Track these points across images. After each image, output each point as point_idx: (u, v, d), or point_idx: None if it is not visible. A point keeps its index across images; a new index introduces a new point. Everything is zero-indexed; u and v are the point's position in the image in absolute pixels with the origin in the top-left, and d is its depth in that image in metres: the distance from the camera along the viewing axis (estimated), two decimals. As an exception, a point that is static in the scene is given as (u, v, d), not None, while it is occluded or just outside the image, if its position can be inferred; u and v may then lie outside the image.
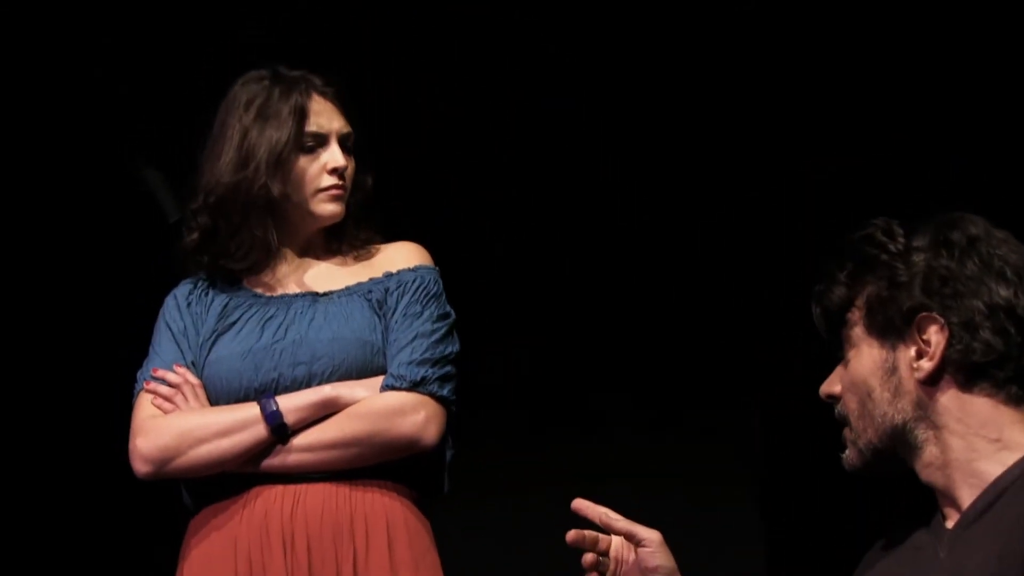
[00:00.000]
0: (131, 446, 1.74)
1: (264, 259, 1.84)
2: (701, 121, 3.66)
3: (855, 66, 3.47)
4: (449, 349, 1.76)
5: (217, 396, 1.75)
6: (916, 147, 3.44)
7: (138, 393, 1.78)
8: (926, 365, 1.30)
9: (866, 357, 1.37)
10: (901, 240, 1.36)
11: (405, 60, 3.51)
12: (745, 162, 3.72)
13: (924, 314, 1.30)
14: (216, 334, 1.79)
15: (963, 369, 1.30)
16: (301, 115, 1.80)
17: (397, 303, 1.77)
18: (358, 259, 1.86)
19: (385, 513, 1.70)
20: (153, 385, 1.75)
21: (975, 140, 3.34)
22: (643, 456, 3.21)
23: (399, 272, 1.81)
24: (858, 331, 1.36)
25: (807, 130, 3.61)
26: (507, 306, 3.46)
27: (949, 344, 1.29)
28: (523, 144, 3.74)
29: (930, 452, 1.31)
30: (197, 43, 3.40)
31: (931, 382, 1.31)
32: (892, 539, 1.39)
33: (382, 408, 1.68)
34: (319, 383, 1.72)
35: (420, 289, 1.79)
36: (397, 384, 1.69)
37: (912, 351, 1.32)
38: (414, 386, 1.70)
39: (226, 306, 1.81)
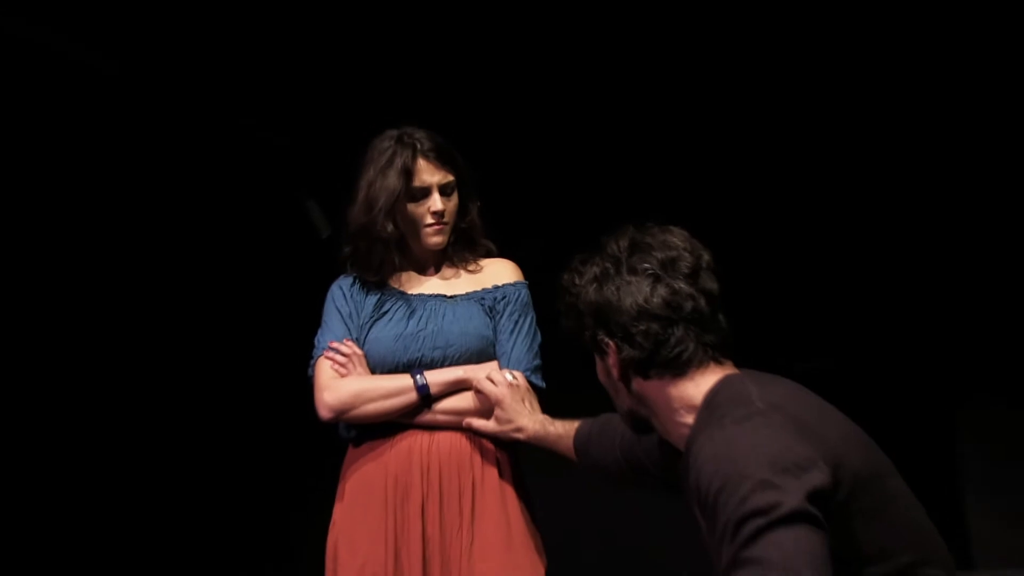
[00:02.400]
0: (317, 398, 2.32)
1: (393, 273, 2.42)
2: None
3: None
4: (538, 342, 2.39)
5: (375, 366, 2.34)
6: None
7: (318, 358, 2.36)
8: (614, 371, 1.68)
9: (598, 365, 1.75)
10: (577, 281, 1.70)
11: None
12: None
13: (599, 337, 1.66)
14: (373, 319, 2.37)
15: (637, 366, 1.64)
16: (408, 174, 2.35)
17: (504, 310, 2.39)
18: (470, 272, 2.45)
19: (495, 455, 2.33)
20: (331, 353, 2.34)
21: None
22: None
23: (504, 286, 2.43)
24: (583, 342, 1.72)
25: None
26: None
27: (619, 353, 1.64)
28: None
29: (656, 427, 1.73)
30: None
31: (626, 381, 1.68)
32: None
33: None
34: (450, 364, 2.33)
35: (518, 300, 2.41)
36: None
37: (607, 360, 1.68)
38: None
39: (379, 298, 2.39)
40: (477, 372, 2.34)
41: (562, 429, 2.23)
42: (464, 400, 2.33)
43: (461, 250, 2.47)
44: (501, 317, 2.40)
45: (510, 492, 2.34)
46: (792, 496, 1.36)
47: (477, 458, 2.33)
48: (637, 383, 1.66)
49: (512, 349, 2.36)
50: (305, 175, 3.90)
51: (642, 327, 1.60)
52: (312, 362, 2.40)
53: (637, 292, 1.61)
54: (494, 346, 2.39)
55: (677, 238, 1.66)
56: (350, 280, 2.45)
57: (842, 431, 1.54)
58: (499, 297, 2.42)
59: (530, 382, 2.35)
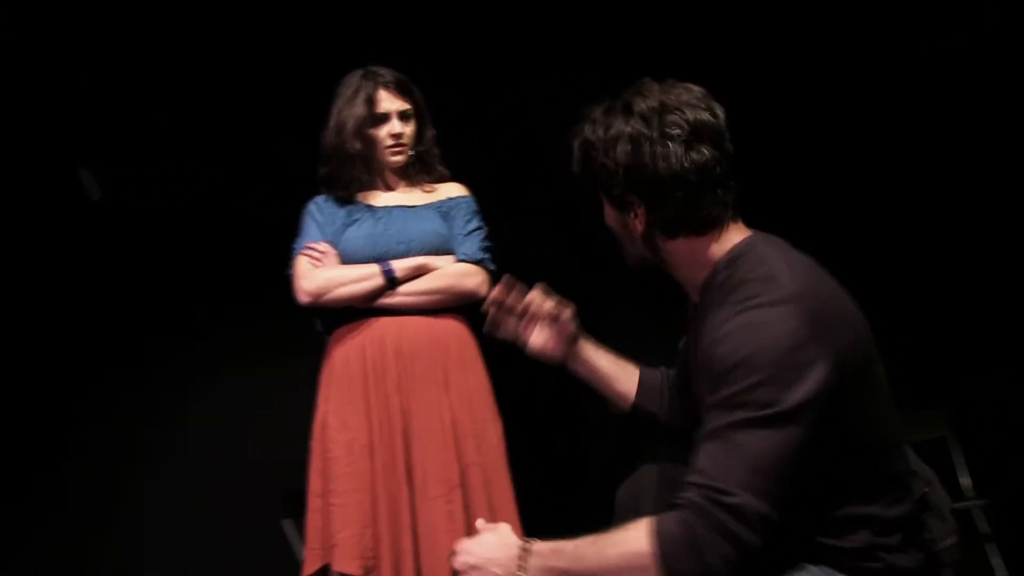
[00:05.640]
0: (296, 286, 2.64)
1: (359, 190, 2.75)
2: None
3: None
4: (488, 241, 2.74)
5: (348, 262, 2.65)
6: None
7: (297, 255, 2.68)
8: (637, 228, 1.70)
9: (608, 212, 1.75)
10: (601, 135, 1.66)
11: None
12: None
13: (628, 197, 1.67)
14: (345, 225, 2.70)
15: (662, 227, 1.68)
16: (371, 102, 2.72)
17: (457, 214, 2.75)
18: (426, 192, 2.80)
19: (457, 334, 2.66)
20: (308, 251, 2.67)
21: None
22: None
23: (455, 198, 2.79)
24: (600, 193, 1.72)
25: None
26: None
27: (647, 216, 1.67)
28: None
29: (674, 274, 1.75)
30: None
31: (649, 236, 1.70)
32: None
33: (457, 272, 2.66)
34: (413, 256, 2.65)
35: (468, 208, 2.78)
36: (466, 259, 2.68)
37: (630, 216, 1.70)
38: (477, 261, 2.69)
39: (349, 211, 2.73)
40: (437, 261, 2.69)
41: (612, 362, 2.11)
42: (424, 283, 2.66)
43: (419, 172, 2.83)
44: (455, 220, 2.76)
45: (471, 364, 2.68)
46: (792, 396, 1.46)
47: (443, 336, 2.66)
48: (660, 240, 1.70)
49: (464, 243, 2.72)
50: (78, 145, 4.09)
51: (676, 193, 1.63)
52: (291, 262, 2.72)
53: (672, 158, 1.61)
54: (449, 243, 2.73)
55: (698, 97, 1.67)
56: (323, 197, 2.80)
57: (849, 317, 1.60)
58: (453, 205, 2.79)
59: (483, 265, 2.70)
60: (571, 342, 2.04)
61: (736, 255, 1.65)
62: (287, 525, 3.65)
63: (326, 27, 3.84)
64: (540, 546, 1.61)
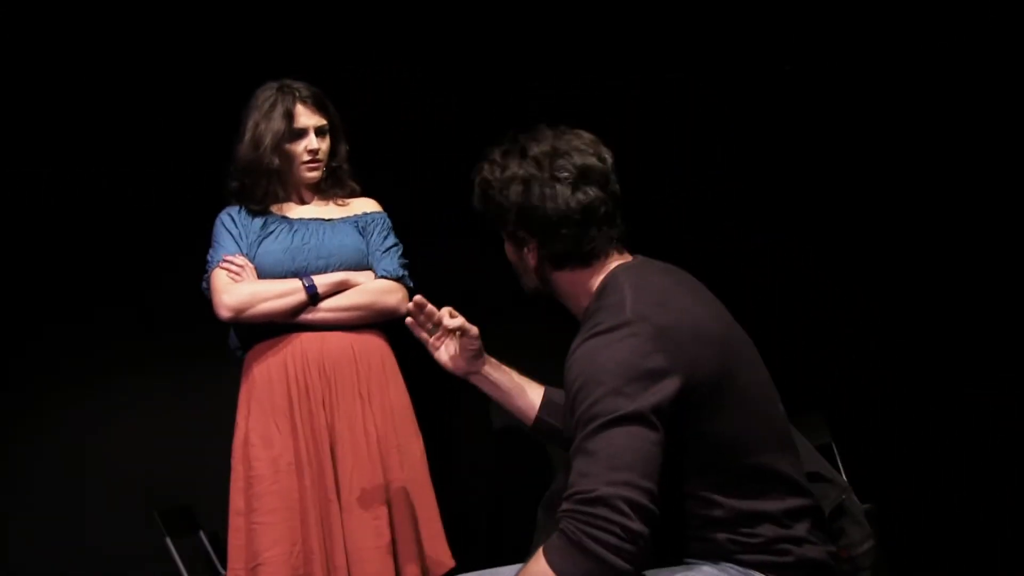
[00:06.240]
0: (217, 301, 2.59)
1: (274, 203, 2.74)
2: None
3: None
4: (405, 259, 2.76)
5: (265, 276, 2.64)
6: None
7: (214, 269, 2.64)
8: (530, 263, 1.85)
9: (507, 246, 1.90)
10: (498, 175, 1.81)
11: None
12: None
13: (520, 233, 1.82)
14: (261, 238, 2.67)
15: (552, 260, 1.82)
16: (289, 117, 2.70)
17: (374, 230, 2.75)
18: (340, 206, 2.80)
19: (378, 350, 2.67)
20: (225, 264, 2.62)
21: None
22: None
23: (371, 213, 2.79)
24: (498, 228, 1.87)
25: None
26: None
27: (538, 251, 1.82)
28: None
29: (565, 304, 1.88)
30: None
31: (540, 270, 1.85)
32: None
33: (378, 288, 2.67)
34: (332, 271, 2.65)
35: (384, 224, 2.79)
36: (387, 276, 2.69)
37: (524, 251, 1.85)
38: (397, 278, 2.70)
39: (264, 223, 2.70)
40: (358, 277, 2.69)
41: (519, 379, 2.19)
42: (346, 299, 2.66)
43: (332, 187, 2.82)
44: (372, 236, 2.77)
45: (392, 380, 2.70)
46: (636, 403, 1.56)
47: (363, 352, 2.66)
48: (549, 271, 1.85)
49: (383, 259, 2.73)
50: None
51: (563, 230, 1.78)
52: (206, 275, 2.68)
53: (559, 198, 1.76)
54: (367, 258, 2.74)
55: (587, 143, 1.82)
56: (236, 208, 2.76)
57: (705, 334, 1.69)
58: (369, 221, 2.79)
59: (403, 281, 2.72)
60: (474, 359, 2.12)
61: (603, 286, 1.78)
62: (170, 544, 3.58)
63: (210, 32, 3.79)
64: None
